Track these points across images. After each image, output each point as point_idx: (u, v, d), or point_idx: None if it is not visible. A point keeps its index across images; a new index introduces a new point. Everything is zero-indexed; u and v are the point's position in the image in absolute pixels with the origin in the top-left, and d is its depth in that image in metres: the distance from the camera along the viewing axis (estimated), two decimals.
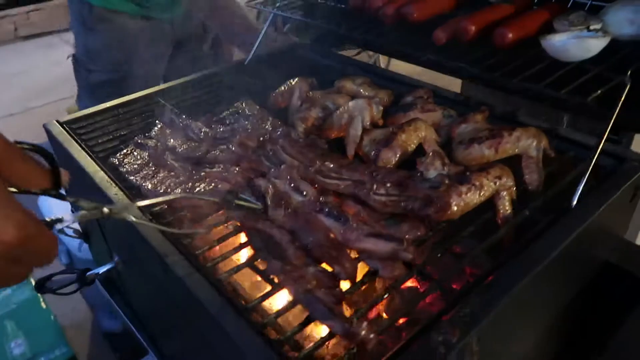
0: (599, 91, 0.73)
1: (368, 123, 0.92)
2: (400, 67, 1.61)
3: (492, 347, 0.62)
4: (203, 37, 1.83)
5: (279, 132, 0.94)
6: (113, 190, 0.85)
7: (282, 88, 1.08)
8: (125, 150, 0.96)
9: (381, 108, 0.97)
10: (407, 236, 0.68)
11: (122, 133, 1.06)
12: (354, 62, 1.38)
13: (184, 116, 1.03)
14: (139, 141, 0.97)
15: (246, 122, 0.98)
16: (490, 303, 0.60)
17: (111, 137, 1.05)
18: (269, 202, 0.79)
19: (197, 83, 1.28)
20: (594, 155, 0.76)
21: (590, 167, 0.75)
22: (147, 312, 1.06)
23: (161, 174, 0.87)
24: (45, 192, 0.48)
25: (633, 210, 0.88)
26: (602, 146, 0.77)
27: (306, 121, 0.98)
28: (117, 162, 0.93)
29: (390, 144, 0.86)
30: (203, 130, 0.98)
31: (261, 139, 0.92)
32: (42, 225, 0.45)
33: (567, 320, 0.88)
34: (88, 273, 1.02)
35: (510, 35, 0.83)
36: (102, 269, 1.02)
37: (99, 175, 0.89)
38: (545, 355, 0.88)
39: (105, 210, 0.55)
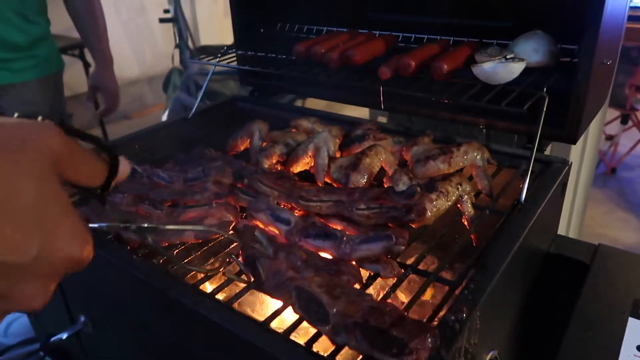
0: (529, 103, 0.88)
1: (332, 153, 1.00)
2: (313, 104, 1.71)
3: (487, 322, 0.70)
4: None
5: (249, 170, 0.98)
6: None
7: (240, 133, 1.13)
8: (88, 206, 0.93)
9: (337, 141, 1.06)
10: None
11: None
12: (290, 107, 1.48)
13: (145, 166, 1.04)
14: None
15: (213, 165, 1.00)
16: (485, 284, 0.68)
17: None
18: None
19: (143, 136, 1.29)
20: (532, 157, 0.90)
21: (530, 167, 0.89)
22: None
23: (138, 221, 0.86)
24: (91, 192, 0.45)
25: (562, 205, 1.04)
26: (535, 151, 0.92)
27: (270, 158, 1.03)
28: (84, 213, 0.90)
29: (358, 168, 0.94)
30: (170, 174, 0.99)
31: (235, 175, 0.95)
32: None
33: (530, 305, 0.99)
34: (52, 339, 0.94)
35: (446, 66, 0.98)
36: (66, 333, 0.95)
37: None
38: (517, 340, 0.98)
39: (133, 227, 0.55)
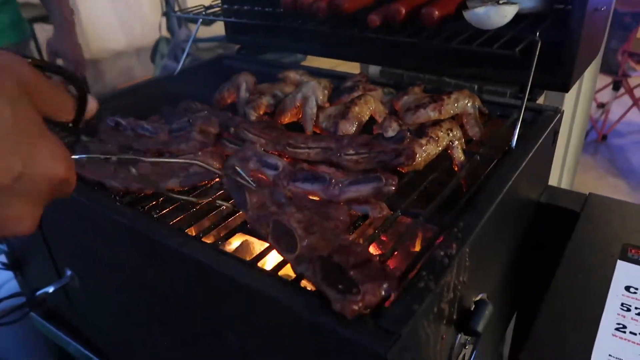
0: (521, 45, 0.86)
1: (320, 102, 0.98)
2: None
3: (477, 262, 0.70)
4: None
5: (235, 120, 0.96)
6: None
7: (226, 85, 1.11)
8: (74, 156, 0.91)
9: (326, 92, 1.04)
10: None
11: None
12: (278, 63, 1.44)
13: (129, 118, 1.01)
14: (86, 143, 0.93)
15: (199, 115, 0.98)
16: (474, 223, 0.68)
17: None
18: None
19: (128, 93, 1.26)
20: (523, 103, 0.89)
21: (522, 114, 0.88)
22: (116, 328, 0.99)
23: (124, 170, 0.84)
24: (63, 126, 0.45)
25: (553, 154, 1.03)
26: (527, 99, 0.90)
27: (258, 109, 1.01)
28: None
29: (347, 116, 0.92)
30: (154, 125, 0.97)
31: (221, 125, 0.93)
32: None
33: (520, 254, 0.99)
34: (38, 293, 0.93)
35: (437, 12, 0.95)
36: (52, 287, 0.94)
37: None
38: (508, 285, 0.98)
39: (114, 158, 0.55)
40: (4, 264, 1.16)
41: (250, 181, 0.74)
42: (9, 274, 1.41)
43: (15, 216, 0.38)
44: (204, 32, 3.31)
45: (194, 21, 3.65)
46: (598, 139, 3.74)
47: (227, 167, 0.78)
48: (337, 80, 1.17)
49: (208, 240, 0.71)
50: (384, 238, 0.95)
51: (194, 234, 0.72)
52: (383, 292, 0.53)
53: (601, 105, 3.94)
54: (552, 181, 1.09)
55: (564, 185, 1.95)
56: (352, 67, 1.63)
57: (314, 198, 0.75)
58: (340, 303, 0.51)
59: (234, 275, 0.60)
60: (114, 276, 0.86)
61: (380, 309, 0.55)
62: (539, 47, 0.89)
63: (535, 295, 1.09)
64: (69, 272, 0.94)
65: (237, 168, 0.74)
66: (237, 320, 0.65)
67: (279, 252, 0.63)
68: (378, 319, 0.52)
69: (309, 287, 0.59)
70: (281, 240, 0.62)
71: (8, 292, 1.48)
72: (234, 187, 0.74)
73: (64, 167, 0.40)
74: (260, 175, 0.82)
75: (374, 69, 1.66)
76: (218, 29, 2.89)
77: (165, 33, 3.81)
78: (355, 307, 0.51)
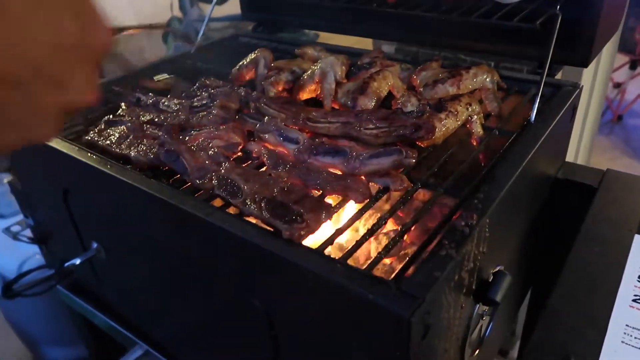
0: (542, 18, 0.85)
1: (339, 77, 0.98)
2: None
3: (496, 234, 0.71)
4: None
5: (254, 96, 0.97)
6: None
7: (244, 62, 1.11)
8: (96, 129, 0.93)
9: (344, 68, 1.04)
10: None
11: (87, 117, 1.03)
12: (295, 41, 1.45)
13: (150, 94, 1.03)
14: (110, 118, 0.95)
15: (219, 90, 0.99)
16: (494, 195, 0.69)
17: (72, 123, 1.01)
18: (267, 164, 0.81)
19: (144, 71, 1.27)
20: (542, 78, 0.89)
21: (541, 89, 0.88)
22: (142, 299, 1.02)
23: (147, 142, 0.86)
24: None
25: (571, 130, 1.03)
26: (546, 75, 0.90)
27: (277, 85, 1.02)
28: (91, 139, 0.90)
29: (366, 92, 0.93)
30: (175, 102, 0.98)
31: (241, 100, 0.94)
32: None
33: (537, 227, 1.00)
34: (66, 265, 0.96)
35: None
36: (79, 259, 0.97)
37: (78, 152, 0.86)
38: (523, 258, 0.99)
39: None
40: (30, 238, 1.19)
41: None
42: (30, 251, 1.45)
43: (81, 79, 0.39)
44: (215, 12, 3.29)
45: (208, 0, 3.62)
46: (614, 119, 3.70)
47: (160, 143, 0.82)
48: (353, 57, 1.17)
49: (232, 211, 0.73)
50: (401, 214, 0.97)
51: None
52: (323, 219, 0.63)
53: (617, 85, 3.88)
54: (569, 160, 1.09)
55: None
56: (364, 47, 1.63)
57: (335, 171, 0.77)
58: (289, 231, 0.60)
59: (261, 244, 0.61)
60: (140, 248, 0.88)
61: (402, 276, 0.57)
62: (559, 21, 0.89)
63: (550, 272, 1.10)
64: (94, 245, 0.97)
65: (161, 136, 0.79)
66: (263, 288, 0.67)
67: (225, 200, 0.70)
68: (401, 284, 0.54)
69: (333, 254, 0.61)
70: (227, 189, 0.71)
71: (32, 266, 1.52)
72: (170, 157, 0.78)
73: (110, 32, 0.41)
74: (280, 149, 0.83)
75: (388, 48, 1.65)
76: (230, 8, 2.88)
77: (176, 13, 3.79)
78: (303, 233, 0.61)
